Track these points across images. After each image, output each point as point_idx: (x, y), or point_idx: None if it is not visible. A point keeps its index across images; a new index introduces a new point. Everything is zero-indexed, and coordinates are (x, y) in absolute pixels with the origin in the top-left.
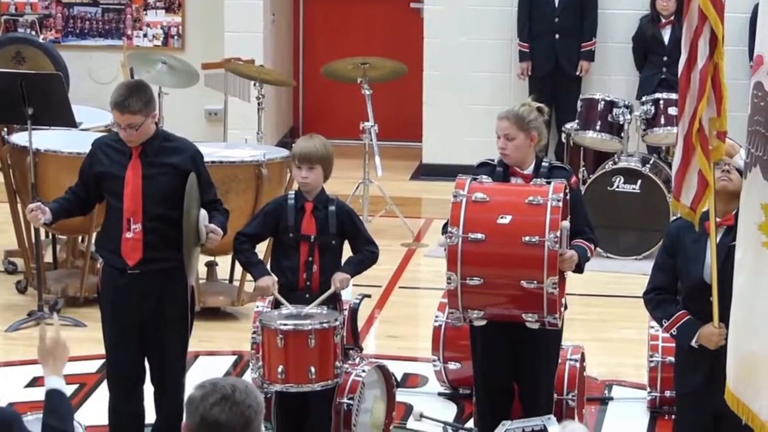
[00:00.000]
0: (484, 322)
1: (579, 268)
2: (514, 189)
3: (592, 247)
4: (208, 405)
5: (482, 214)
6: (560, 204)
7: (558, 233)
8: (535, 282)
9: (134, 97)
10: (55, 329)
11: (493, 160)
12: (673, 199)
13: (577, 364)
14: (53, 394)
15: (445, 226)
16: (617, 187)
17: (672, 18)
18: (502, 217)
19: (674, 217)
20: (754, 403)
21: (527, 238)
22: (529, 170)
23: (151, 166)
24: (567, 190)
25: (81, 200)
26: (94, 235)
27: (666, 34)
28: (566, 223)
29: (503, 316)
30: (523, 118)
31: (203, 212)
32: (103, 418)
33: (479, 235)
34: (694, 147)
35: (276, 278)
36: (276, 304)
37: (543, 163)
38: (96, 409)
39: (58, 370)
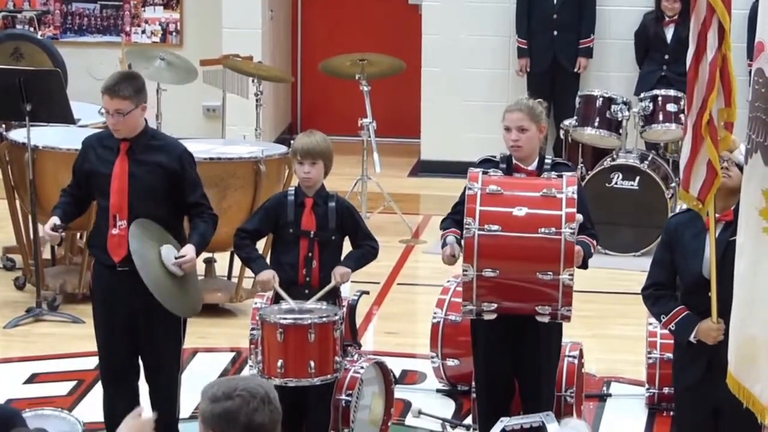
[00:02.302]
0: (494, 316)
1: (584, 264)
2: (527, 182)
3: (595, 243)
4: (250, 411)
5: (497, 206)
6: (575, 196)
7: (574, 225)
8: (550, 274)
9: (125, 83)
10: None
11: (495, 157)
12: (682, 189)
13: (576, 361)
14: None
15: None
16: (615, 183)
17: (676, 17)
18: (518, 209)
19: (672, 213)
20: (755, 387)
21: (544, 230)
22: (533, 166)
23: (138, 164)
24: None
25: (78, 200)
26: None
27: (669, 33)
28: (580, 217)
29: (516, 309)
30: (534, 109)
31: (165, 249)
32: (101, 415)
33: (495, 227)
34: (702, 138)
35: (275, 272)
36: (276, 299)
37: (546, 160)
38: (94, 405)
39: None
